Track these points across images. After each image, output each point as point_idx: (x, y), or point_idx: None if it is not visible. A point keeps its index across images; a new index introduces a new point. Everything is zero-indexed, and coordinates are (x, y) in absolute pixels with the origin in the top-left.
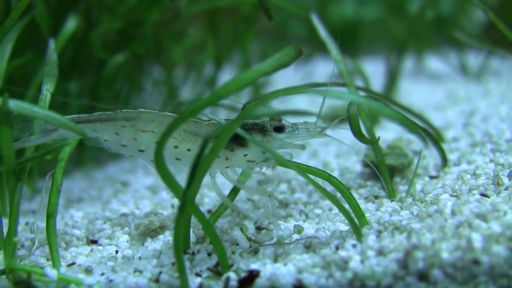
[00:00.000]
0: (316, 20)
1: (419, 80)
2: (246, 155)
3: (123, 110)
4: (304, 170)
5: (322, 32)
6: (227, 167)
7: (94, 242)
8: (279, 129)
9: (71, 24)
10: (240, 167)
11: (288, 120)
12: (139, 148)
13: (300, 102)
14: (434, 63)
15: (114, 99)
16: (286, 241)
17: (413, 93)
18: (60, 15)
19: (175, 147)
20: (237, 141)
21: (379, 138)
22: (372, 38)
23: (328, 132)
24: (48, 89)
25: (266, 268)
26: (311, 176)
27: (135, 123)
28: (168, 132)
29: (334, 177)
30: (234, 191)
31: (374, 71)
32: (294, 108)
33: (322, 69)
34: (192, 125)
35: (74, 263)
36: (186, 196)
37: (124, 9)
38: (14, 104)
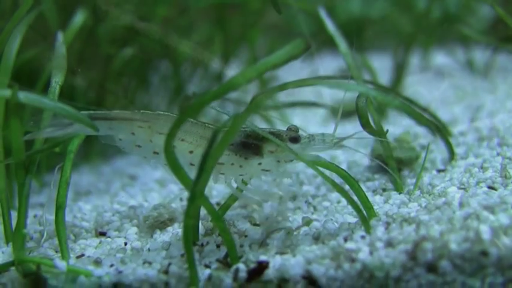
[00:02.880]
0: (323, 15)
1: (426, 76)
2: (260, 164)
3: (142, 111)
4: (312, 162)
5: (330, 26)
6: (241, 175)
7: (103, 234)
8: (294, 139)
9: (79, 18)
10: (254, 176)
11: (307, 132)
12: (154, 150)
13: (307, 97)
14: (440, 59)
15: (122, 94)
16: (294, 233)
17: (420, 88)
18: (68, 10)
19: (191, 152)
20: (251, 150)
21: (387, 130)
22: (379, 34)
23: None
24: (57, 81)
25: (275, 259)
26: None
27: (152, 125)
28: (177, 123)
29: (343, 169)
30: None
31: (381, 66)
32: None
33: (329, 66)
34: (209, 131)
35: (83, 255)
36: (196, 188)
37: (132, 4)
38: (24, 96)
